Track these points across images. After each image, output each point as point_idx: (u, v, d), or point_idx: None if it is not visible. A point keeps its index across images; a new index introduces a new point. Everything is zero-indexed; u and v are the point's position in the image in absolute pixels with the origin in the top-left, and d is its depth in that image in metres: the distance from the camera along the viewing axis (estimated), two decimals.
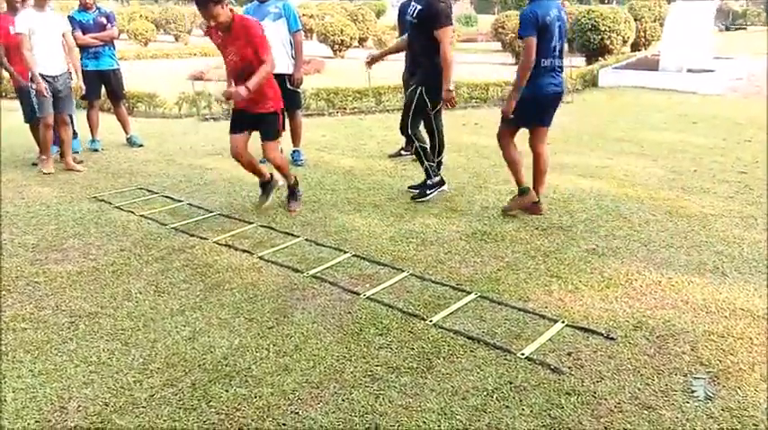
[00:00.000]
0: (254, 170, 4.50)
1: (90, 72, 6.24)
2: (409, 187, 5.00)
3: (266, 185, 4.55)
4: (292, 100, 5.81)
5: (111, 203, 4.73)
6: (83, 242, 3.96)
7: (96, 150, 6.49)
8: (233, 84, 4.19)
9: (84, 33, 6.19)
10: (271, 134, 4.29)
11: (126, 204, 4.69)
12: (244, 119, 4.27)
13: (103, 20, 6.34)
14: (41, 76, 5.31)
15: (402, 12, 5.51)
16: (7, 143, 6.91)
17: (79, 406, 2.34)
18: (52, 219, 4.38)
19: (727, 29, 27.95)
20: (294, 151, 6.04)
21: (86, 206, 4.67)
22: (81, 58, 6.17)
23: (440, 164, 4.94)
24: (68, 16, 6.24)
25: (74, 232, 4.13)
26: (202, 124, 8.32)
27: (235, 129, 4.31)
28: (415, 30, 4.59)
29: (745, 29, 28.47)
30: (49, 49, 5.38)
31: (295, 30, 5.62)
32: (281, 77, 5.63)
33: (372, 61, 5.19)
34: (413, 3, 4.56)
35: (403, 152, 6.05)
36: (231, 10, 4.00)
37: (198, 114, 8.87)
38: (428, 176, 4.72)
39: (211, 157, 6.23)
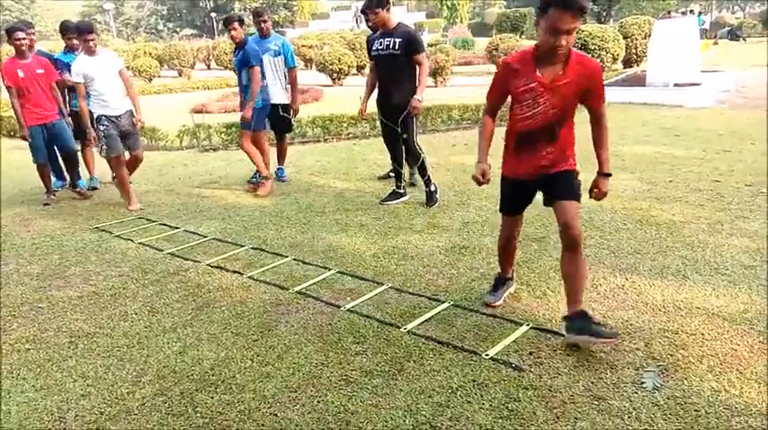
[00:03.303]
0: (511, 261, 3.40)
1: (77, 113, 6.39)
2: (381, 200, 5.45)
3: (505, 282, 3.40)
4: (283, 125, 6.43)
5: (111, 233, 4.99)
6: (84, 269, 4.21)
7: (95, 188, 6.65)
8: (514, 145, 3.04)
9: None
10: (573, 192, 2.93)
11: (125, 233, 4.95)
12: (530, 188, 3.05)
13: None
14: (106, 117, 5.47)
15: (370, 44, 5.80)
16: (16, 180, 7.24)
17: (77, 415, 2.55)
18: (56, 250, 4.64)
19: (731, 38, 28.37)
20: (279, 169, 6.62)
21: (88, 236, 4.94)
22: (70, 99, 6.34)
23: (400, 174, 5.45)
24: (55, 58, 6.38)
25: (75, 260, 4.38)
26: (202, 155, 8.63)
27: (515, 206, 3.18)
28: (395, 60, 5.01)
29: (744, 40, 28.82)
30: (109, 91, 5.49)
31: (291, 66, 6.25)
32: (275, 106, 6.16)
33: (363, 111, 5.69)
34: (386, 39, 5.02)
35: (391, 173, 6.31)
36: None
37: (198, 146, 9.20)
38: (430, 184, 5.28)
39: (208, 186, 6.51)
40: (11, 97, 5.62)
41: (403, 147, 5.30)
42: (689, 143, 7.35)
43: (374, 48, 5.14)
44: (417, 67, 5.04)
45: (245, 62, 5.76)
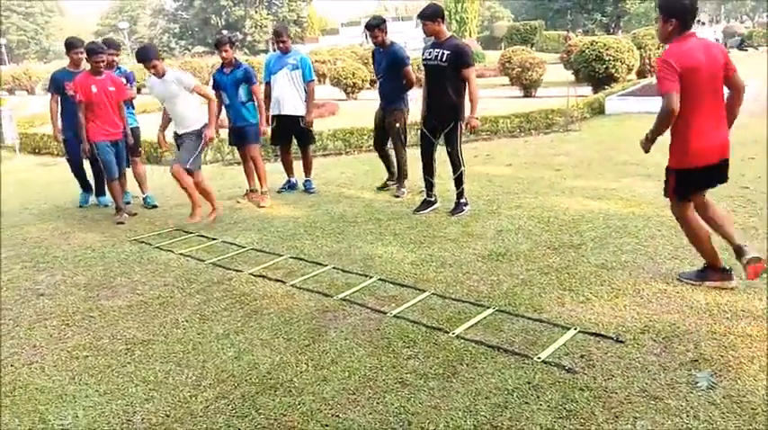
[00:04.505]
0: None
1: (132, 129, 6.46)
2: (414, 210, 5.54)
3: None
4: (305, 137, 6.65)
5: (150, 244, 5.09)
6: (129, 279, 4.30)
7: (128, 203, 6.48)
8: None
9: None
10: None
11: (165, 244, 5.05)
12: None
13: (123, 79, 6.45)
14: (174, 132, 5.62)
15: (375, 57, 6.34)
16: (43, 196, 7.40)
17: (143, 418, 2.63)
18: (98, 261, 4.74)
19: (740, 49, 28.42)
20: (306, 181, 6.78)
21: (128, 248, 5.04)
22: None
23: (431, 184, 5.56)
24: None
25: (120, 271, 4.48)
26: (227, 168, 8.76)
27: None
28: (441, 72, 5.13)
29: (756, 48, 28.72)
30: (172, 111, 5.54)
31: (309, 80, 6.46)
32: (294, 118, 6.33)
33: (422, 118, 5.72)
34: (435, 49, 5.14)
35: (389, 182, 6.53)
36: None
37: (222, 159, 9.33)
38: (462, 196, 5.40)
39: (239, 198, 6.61)
40: (79, 111, 5.75)
41: (435, 159, 5.42)
42: None
43: (424, 57, 5.31)
44: (466, 83, 5.10)
45: (243, 81, 6.11)
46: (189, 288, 4.07)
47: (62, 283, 4.32)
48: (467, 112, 5.26)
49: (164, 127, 5.76)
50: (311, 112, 6.57)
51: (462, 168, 5.33)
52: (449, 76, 5.07)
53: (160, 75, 5.40)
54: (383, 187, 6.55)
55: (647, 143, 3.56)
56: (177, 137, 5.60)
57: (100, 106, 5.77)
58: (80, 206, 6.69)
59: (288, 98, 6.35)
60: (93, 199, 6.81)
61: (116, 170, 5.93)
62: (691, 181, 3.45)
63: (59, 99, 6.31)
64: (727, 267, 3.50)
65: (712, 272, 3.52)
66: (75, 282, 4.33)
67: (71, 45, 6.24)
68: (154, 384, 2.89)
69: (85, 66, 6.10)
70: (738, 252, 3.39)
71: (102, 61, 5.81)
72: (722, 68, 3.35)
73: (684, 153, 3.39)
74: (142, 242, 5.19)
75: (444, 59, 5.05)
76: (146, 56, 5.32)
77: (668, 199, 3.62)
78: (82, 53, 6.12)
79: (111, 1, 72.91)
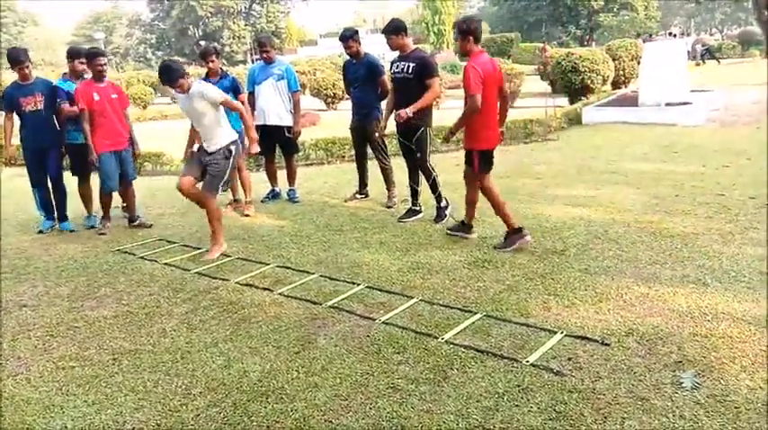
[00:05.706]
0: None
1: (80, 146, 5.68)
2: (399, 218, 5.60)
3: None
4: (289, 146, 6.69)
5: (134, 254, 5.05)
6: (114, 290, 4.26)
7: (93, 226, 6.02)
8: None
9: (71, 104, 5.64)
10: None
11: (149, 254, 5.01)
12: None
13: None
14: (200, 146, 4.99)
15: (347, 69, 6.36)
16: (23, 207, 7.28)
17: (134, 427, 2.61)
18: (81, 272, 4.69)
19: (711, 57, 29.18)
20: (290, 190, 6.78)
21: (112, 258, 4.99)
22: (69, 131, 5.81)
23: (416, 192, 5.65)
24: (53, 86, 5.85)
25: (104, 281, 4.44)
26: None
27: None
28: (408, 83, 5.25)
29: (718, 61, 29.42)
30: (199, 127, 4.91)
31: (294, 90, 6.48)
32: (279, 128, 6.34)
33: (382, 130, 5.84)
34: (401, 62, 5.29)
35: (358, 195, 6.59)
36: None
37: None
38: (440, 200, 5.48)
39: (222, 208, 6.57)
40: (82, 121, 5.50)
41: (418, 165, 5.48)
42: (687, 159, 7.58)
43: (392, 70, 5.42)
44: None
45: (230, 90, 6.00)
46: (175, 297, 4.05)
47: (45, 294, 4.26)
48: (442, 121, 5.36)
49: (190, 144, 5.15)
50: (299, 122, 6.61)
51: (434, 175, 5.41)
52: (414, 87, 5.19)
53: (185, 91, 4.78)
54: (351, 199, 6.57)
55: (450, 135, 4.78)
56: (206, 154, 4.88)
57: (103, 114, 5.54)
58: (40, 232, 5.92)
59: (273, 108, 6.38)
60: (51, 224, 6.07)
61: (115, 182, 5.70)
62: (488, 158, 4.59)
63: (19, 115, 5.72)
64: (522, 226, 4.57)
65: (512, 234, 4.54)
66: (58, 292, 4.27)
67: (15, 60, 5.57)
68: (143, 394, 2.87)
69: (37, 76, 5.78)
70: (516, 231, 4.54)
71: (104, 64, 5.60)
72: (499, 79, 4.49)
73: (484, 138, 4.52)
74: (125, 252, 5.14)
75: (410, 71, 5.20)
76: (170, 78, 4.66)
77: (477, 174, 4.64)
78: (27, 67, 5.64)
79: (86, 11, 72.17)
